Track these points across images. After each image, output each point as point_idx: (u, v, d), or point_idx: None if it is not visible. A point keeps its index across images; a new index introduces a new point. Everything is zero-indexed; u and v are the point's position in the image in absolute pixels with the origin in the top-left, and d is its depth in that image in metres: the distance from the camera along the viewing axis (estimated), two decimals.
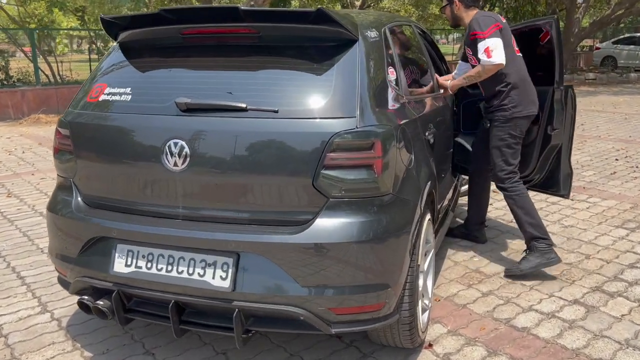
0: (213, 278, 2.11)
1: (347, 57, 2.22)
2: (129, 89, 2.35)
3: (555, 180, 3.58)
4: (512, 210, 3.40)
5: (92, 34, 15.42)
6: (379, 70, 2.34)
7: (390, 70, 2.48)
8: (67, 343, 2.70)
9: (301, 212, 2.11)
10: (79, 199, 2.43)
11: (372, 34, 2.43)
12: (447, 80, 3.45)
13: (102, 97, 2.40)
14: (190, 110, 2.18)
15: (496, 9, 16.95)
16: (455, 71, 3.67)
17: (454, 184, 3.96)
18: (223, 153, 2.13)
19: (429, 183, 2.57)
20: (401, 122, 2.35)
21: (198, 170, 2.15)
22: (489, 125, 3.40)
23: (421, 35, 3.64)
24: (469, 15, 3.37)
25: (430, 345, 2.63)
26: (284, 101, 2.14)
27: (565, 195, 3.63)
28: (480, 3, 3.58)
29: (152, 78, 2.44)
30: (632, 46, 21.43)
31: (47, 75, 12.81)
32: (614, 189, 5.43)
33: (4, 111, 11.04)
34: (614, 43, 22.08)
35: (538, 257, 3.29)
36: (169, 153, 2.16)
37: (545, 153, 3.56)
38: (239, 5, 2.27)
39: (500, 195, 5.30)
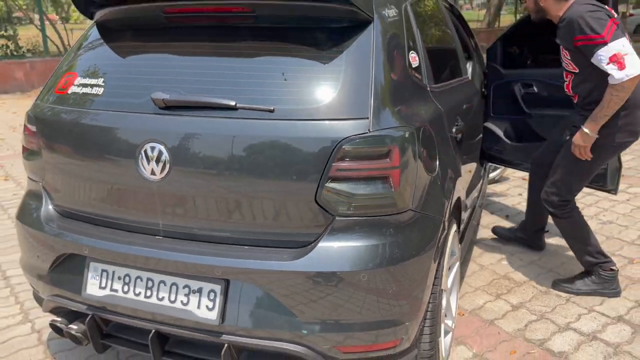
0: (198, 308, 1.79)
1: (359, 42, 1.82)
2: (102, 80, 1.99)
3: (601, 174, 3.12)
4: (563, 235, 2.95)
5: None
6: (398, 58, 1.94)
7: (412, 56, 2.07)
8: None
9: (301, 233, 1.76)
10: (50, 206, 2.11)
11: (391, 12, 2.02)
12: (581, 134, 2.58)
13: (71, 89, 2.05)
14: (169, 107, 1.82)
15: None
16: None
17: (482, 177, 3.56)
18: (209, 160, 1.78)
19: (456, 190, 2.19)
20: (424, 122, 1.96)
21: (179, 181, 1.81)
22: (568, 138, 2.74)
23: (447, 9, 3.19)
24: (561, 8, 2.60)
25: None
26: (282, 98, 1.77)
27: (613, 191, 3.19)
28: None
29: (128, 67, 2.05)
30: None
31: (56, 46, 12.48)
32: None
33: (13, 83, 10.80)
34: None
35: (598, 285, 2.88)
36: (145, 159, 1.82)
37: None
38: None
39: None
